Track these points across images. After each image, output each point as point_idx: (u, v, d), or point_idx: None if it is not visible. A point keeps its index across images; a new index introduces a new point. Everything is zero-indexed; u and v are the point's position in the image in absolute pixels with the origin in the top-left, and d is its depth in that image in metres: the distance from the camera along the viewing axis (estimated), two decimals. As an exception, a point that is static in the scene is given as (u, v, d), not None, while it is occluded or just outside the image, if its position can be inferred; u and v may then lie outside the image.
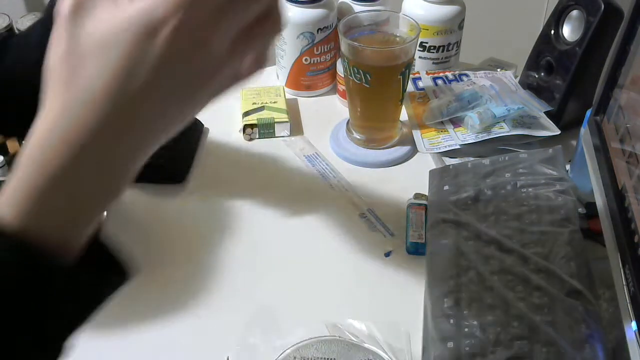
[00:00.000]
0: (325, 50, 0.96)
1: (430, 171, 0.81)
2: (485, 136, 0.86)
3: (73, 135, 0.34)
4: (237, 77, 0.39)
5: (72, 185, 0.35)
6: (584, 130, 0.73)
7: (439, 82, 0.97)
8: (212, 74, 0.36)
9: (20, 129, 0.56)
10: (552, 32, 0.88)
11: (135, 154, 0.37)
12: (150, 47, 0.34)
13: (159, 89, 0.35)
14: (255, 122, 0.90)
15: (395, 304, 0.68)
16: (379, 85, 0.82)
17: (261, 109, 0.93)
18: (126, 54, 0.34)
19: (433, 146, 0.87)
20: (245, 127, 0.90)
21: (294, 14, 0.93)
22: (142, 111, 0.35)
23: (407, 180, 0.84)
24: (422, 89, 0.96)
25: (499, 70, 1.01)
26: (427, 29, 0.95)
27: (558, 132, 0.86)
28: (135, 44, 0.33)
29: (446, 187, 0.75)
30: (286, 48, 0.96)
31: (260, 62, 0.39)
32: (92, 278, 0.38)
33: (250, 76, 0.40)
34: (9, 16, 0.99)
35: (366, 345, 0.62)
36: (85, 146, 0.34)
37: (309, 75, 0.98)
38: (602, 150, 0.65)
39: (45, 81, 0.36)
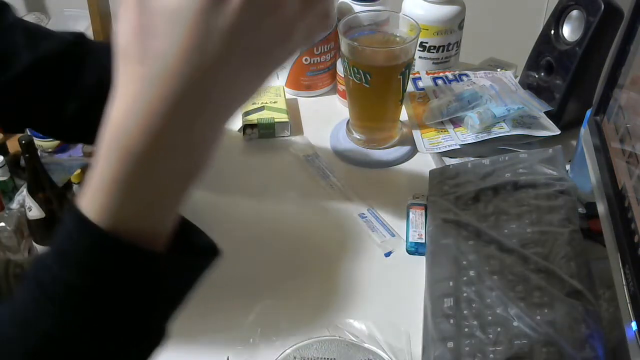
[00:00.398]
0: (325, 50, 0.96)
1: (430, 171, 0.81)
2: (485, 136, 0.86)
3: (150, 115, 0.33)
4: (308, 36, 0.38)
5: (154, 170, 0.34)
6: (584, 130, 0.73)
7: (439, 82, 0.97)
8: (286, 36, 0.35)
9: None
10: (552, 32, 0.88)
11: (215, 125, 0.36)
12: (220, 14, 0.32)
13: (233, 56, 0.34)
14: (255, 122, 0.90)
15: (395, 304, 0.68)
16: (379, 85, 0.82)
17: (261, 109, 0.93)
18: (195, 24, 0.32)
19: (433, 146, 0.87)
20: (245, 127, 0.90)
21: (294, 14, 0.92)
22: (217, 80, 0.34)
23: (407, 180, 0.84)
24: (422, 89, 0.96)
25: (499, 70, 1.01)
26: (427, 29, 0.95)
27: (558, 132, 0.86)
28: (204, 12, 0.32)
29: (446, 187, 0.75)
30: (286, 48, 0.96)
31: (328, 17, 0.38)
32: (183, 263, 0.38)
33: (321, 33, 0.39)
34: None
35: (366, 345, 0.62)
36: (163, 124, 0.33)
37: (309, 75, 0.98)
38: (602, 150, 0.65)
39: (116, 59, 0.35)
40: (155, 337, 0.39)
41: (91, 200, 0.35)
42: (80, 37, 0.70)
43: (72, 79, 0.68)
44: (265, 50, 0.35)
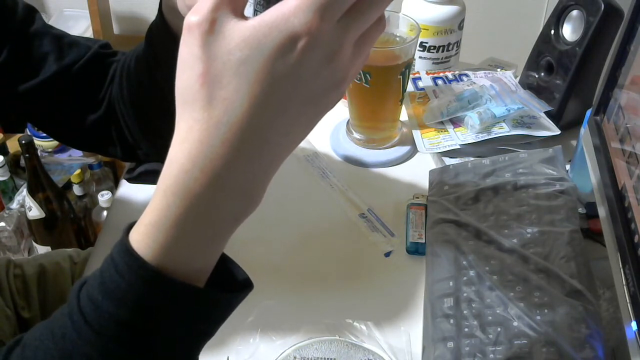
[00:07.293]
0: (325, 50, 0.96)
1: (430, 171, 0.81)
2: (485, 136, 0.86)
3: (215, 159, 0.34)
4: (354, 77, 0.39)
5: (212, 211, 0.36)
6: (584, 130, 0.73)
7: (439, 82, 0.97)
8: (341, 82, 0.37)
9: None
10: (552, 32, 0.88)
11: (269, 168, 0.37)
12: (283, 64, 0.33)
13: (293, 104, 0.35)
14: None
15: (395, 304, 0.68)
16: (379, 85, 0.82)
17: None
18: (262, 75, 0.33)
19: (433, 146, 0.87)
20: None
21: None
22: (277, 126, 0.35)
23: (407, 180, 0.84)
24: (422, 89, 0.96)
25: (499, 70, 1.01)
26: (427, 29, 0.95)
27: (558, 132, 0.86)
28: (269, 63, 0.33)
29: (446, 187, 0.75)
30: (286, 48, 0.96)
31: (367, 59, 0.40)
32: (228, 299, 0.39)
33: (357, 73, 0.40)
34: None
35: (366, 345, 0.62)
36: (226, 168, 0.35)
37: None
38: (602, 150, 0.65)
39: (177, 103, 0.36)
40: None
41: (147, 238, 0.36)
42: (104, 46, 0.70)
43: (95, 90, 0.69)
44: (322, 96, 0.36)
